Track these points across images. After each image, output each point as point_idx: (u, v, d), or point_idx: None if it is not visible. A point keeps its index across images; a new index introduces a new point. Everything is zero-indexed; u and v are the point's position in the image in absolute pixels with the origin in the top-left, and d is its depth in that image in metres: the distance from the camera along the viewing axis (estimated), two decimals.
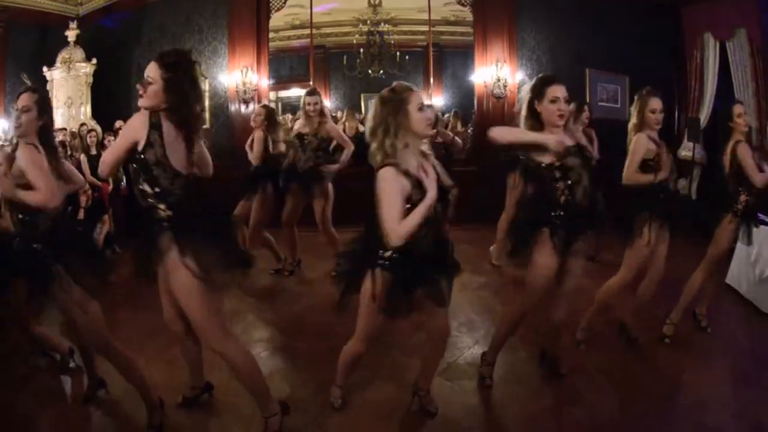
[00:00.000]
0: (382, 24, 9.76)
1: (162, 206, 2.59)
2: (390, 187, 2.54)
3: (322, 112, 5.53)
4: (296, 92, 10.35)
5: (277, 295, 5.30)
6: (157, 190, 2.57)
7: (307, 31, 9.38)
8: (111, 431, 3.14)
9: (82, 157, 6.97)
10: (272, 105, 8.59)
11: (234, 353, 2.84)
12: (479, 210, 6.31)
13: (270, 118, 5.69)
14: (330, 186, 5.61)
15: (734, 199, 3.98)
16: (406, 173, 2.56)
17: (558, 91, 3.07)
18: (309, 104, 5.46)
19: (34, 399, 3.41)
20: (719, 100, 7.78)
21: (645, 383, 3.51)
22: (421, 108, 2.64)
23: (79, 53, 8.40)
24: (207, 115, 8.48)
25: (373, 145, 2.66)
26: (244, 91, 8.34)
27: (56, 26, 8.70)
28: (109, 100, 8.55)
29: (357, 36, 9.86)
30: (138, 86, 2.61)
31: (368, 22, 9.74)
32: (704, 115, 8.03)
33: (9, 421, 3.19)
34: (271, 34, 8.80)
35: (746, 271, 4.87)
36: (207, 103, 8.50)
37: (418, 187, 2.56)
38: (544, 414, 3.22)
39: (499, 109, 8.32)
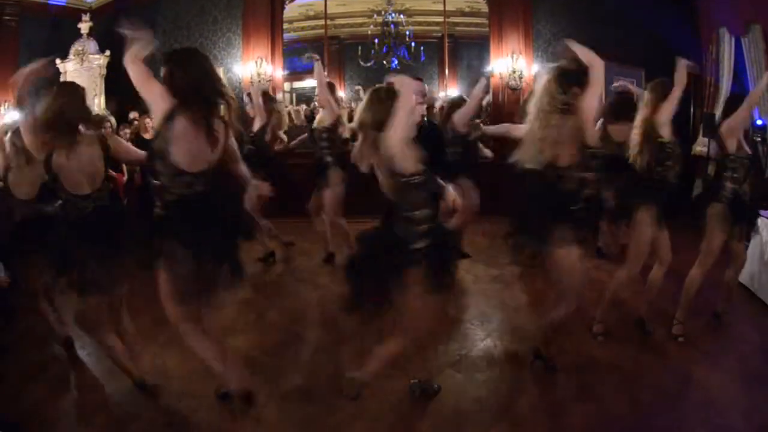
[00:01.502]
0: (397, 15, 9.73)
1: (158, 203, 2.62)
2: None
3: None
4: (310, 83, 10.38)
5: (290, 286, 5.31)
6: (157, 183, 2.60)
7: (321, 22, 9.36)
8: (122, 421, 3.15)
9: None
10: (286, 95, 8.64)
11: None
12: (495, 202, 6.23)
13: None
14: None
15: (721, 187, 3.93)
16: None
17: None
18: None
19: (46, 388, 3.44)
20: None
21: (655, 379, 3.47)
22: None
23: (92, 45, 8.43)
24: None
25: None
26: (259, 82, 8.34)
27: (69, 18, 8.73)
28: (123, 92, 8.56)
29: (371, 27, 9.83)
30: None
31: (383, 12, 9.72)
32: (719, 111, 7.91)
33: (21, 410, 3.21)
34: (285, 25, 8.79)
35: (759, 270, 4.81)
36: None
37: None
38: (555, 407, 3.20)
39: (515, 101, 8.26)
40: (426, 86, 4.39)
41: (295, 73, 10.08)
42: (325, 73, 5.67)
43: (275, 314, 4.68)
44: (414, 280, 2.76)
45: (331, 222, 5.68)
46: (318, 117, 5.66)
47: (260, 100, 5.61)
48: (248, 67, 8.43)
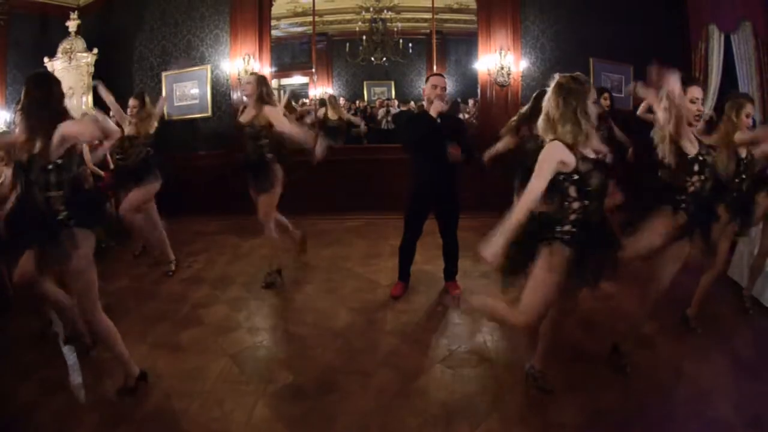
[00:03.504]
0: (385, 11, 9.72)
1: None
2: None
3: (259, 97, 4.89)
4: (299, 80, 10.36)
5: (279, 283, 5.30)
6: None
7: (309, 18, 9.33)
8: (113, 421, 3.13)
9: (84, 147, 6.91)
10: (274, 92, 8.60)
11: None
12: (481, 197, 6.27)
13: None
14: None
15: None
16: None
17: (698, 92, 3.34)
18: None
19: (37, 389, 3.42)
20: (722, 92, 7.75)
21: (647, 372, 3.51)
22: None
23: (80, 43, 8.36)
24: (209, 103, 8.50)
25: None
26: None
27: (57, 16, 8.67)
28: (111, 90, 8.53)
29: (360, 23, 9.82)
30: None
31: (371, 9, 9.71)
32: (708, 107, 7.95)
33: (13, 410, 3.20)
34: (273, 22, 8.75)
35: (748, 265, 4.87)
36: (209, 91, 8.52)
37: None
38: (545, 401, 3.23)
39: (503, 98, 8.28)
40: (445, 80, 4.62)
41: (283, 70, 10.05)
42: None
43: (264, 312, 4.69)
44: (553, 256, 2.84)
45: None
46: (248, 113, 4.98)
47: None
48: (236, 63, 8.39)
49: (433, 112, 4.47)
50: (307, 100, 10.03)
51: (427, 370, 3.60)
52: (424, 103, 4.65)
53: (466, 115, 9.37)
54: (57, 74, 8.39)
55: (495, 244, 2.70)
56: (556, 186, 2.77)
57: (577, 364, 3.60)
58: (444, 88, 4.55)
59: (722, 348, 3.86)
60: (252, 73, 5.29)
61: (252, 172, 4.95)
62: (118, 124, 5.22)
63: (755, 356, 3.76)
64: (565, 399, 3.24)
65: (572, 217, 2.81)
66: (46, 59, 8.38)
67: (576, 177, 2.74)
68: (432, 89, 4.51)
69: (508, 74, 8.24)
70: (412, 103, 9.97)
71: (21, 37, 8.63)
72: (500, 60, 8.21)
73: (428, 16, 9.38)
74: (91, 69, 8.38)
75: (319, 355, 3.83)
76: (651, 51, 8.22)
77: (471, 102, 9.58)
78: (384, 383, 3.44)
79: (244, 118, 4.93)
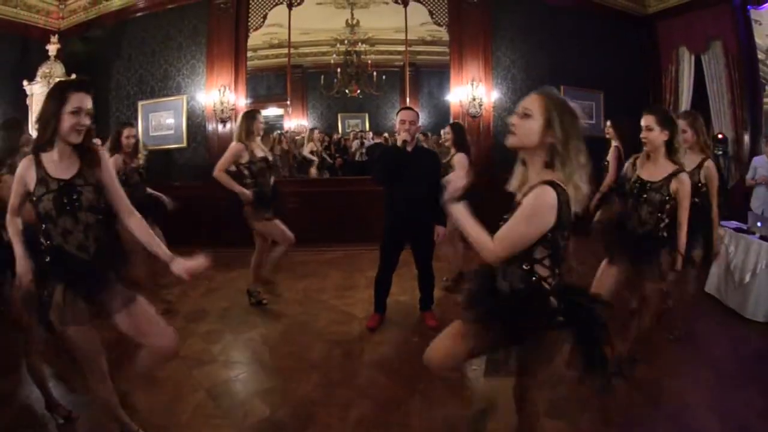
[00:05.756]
0: (360, 44, 9.85)
1: None
2: None
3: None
4: (273, 111, 10.41)
5: (255, 316, 5.29)
6: None
7: (285, 51, 9.42)
8: None
9: None
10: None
11: None
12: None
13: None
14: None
15: None
16: None
17: None
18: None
19: (13, 417, 3.37)
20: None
21: (628, 389, 3.56)
22: None
23: (59, 68, 8.33)
24: (184, 133, 8.52)
25: None
26: (222, 111, 8.34)
27: (38, 39, 8.65)
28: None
29: (334, 56, 9.94)
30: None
31: (346, 41, 9.83)
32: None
33: None
34: (249, 53, 8.82)
35: (725, 280, 5.13)
36: (184, 122, 8.56)
37: None
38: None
39: (475, 129, 8.42)
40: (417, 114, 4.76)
41: (258, 101, 10.09)
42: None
43: (240, 346, 4.66)
44: None
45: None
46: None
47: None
48: (212, 95, 8.43)
49: (399, 142, 4.63)
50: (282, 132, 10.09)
51: (406, 400, 3.62)
52: (397, 136, 4.75)
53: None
54: (35, 99, 8.37)
55: None
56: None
57: (557, 389, 3.60)
58: (413, 122, 4.64)
59: (703, 361, 3.95)
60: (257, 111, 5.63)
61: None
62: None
63: (736, 367, 3.88)
64: (545, 424, 3.25)
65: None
66: (25, 82, 8.34)
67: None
68: (401, 124, 4.63)
69: (480, 105, 8.40)
70: (386, 134, 10.07)
71: (1, 60, 8.58)
72: (472, 91, 8.39)
73: (402, 48, 9.53)
74: None
75: (296, 388, 3.82)
76: (621, 76, 8.57)
77: (443, 131, 9.69)
78: (363, 415, 3.45)
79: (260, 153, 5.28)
